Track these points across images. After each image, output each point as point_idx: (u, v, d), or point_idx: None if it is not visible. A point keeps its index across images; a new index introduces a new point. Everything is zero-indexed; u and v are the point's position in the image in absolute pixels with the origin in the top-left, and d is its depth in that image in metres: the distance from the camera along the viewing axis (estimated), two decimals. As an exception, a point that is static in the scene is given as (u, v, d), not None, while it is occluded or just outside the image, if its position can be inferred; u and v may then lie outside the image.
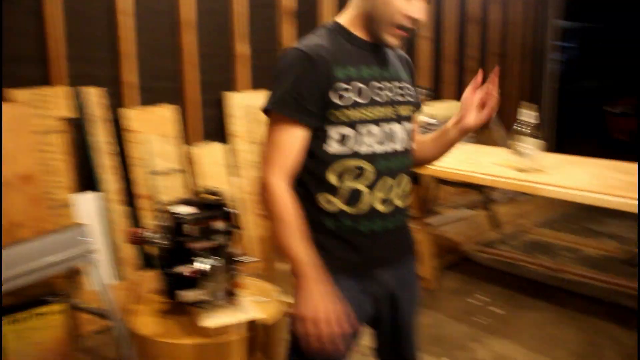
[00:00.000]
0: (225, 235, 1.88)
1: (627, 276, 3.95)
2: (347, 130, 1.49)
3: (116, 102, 3.68)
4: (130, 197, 3.73)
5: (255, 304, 2.07)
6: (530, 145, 2.85)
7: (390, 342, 1.76)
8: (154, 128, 3.82)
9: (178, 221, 1.84)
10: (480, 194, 4.93)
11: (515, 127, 2.90)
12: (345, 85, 1.48)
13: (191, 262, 1.84)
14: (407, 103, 1.61)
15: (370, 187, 1.53)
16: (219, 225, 1.86)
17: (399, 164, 1.59)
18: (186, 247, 1.84)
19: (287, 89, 1.44)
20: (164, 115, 3.87)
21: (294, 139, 1.46)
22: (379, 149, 1.54)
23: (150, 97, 3.83)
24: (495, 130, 5.43)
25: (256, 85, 4.39)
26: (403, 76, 1.64)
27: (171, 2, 3.85)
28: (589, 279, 3.92)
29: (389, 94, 1.56)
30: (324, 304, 1.40)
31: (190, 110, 4.02)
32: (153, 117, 3.82)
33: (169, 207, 1.96)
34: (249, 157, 4.33)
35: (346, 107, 1.48)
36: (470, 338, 3.22)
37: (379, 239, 1.58)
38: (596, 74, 21.51)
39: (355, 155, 1.51)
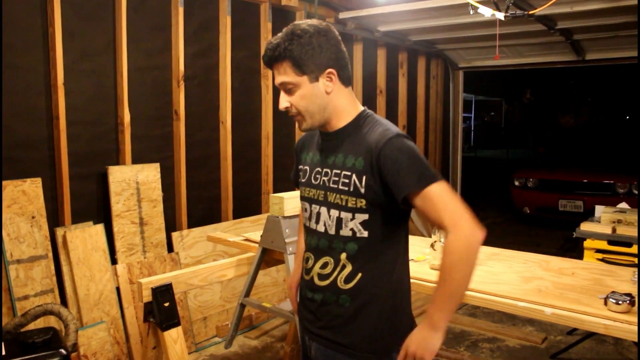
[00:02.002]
0: (54, 390, 1.34)
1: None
2: (301, 203, 1.86)
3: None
4: (-21, 291, 3.06)
5: None
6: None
7: None
8: (14, 206, 3.19)
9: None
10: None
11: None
12: (301, 166, 1.85)
13: None
14: (337, 191, 1.67)
15: (305, 255, 1.83)
16: (45, 375, 1.32)
17: (320, 244, 1.73)
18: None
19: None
20: (27, 190, 3.25)
21: None
22: (308, 224, 1.79)
23: (13, 169, 3.22)
24: (413, 219, 5.15)
25: (143, 157, 3.86)
26: (348, 164, 1.65)
27: (39, 58, 3.32)
28: (510, 376, 3.60)
29: (324, 178, 1.72)
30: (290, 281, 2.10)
31: (62, 185, 3.42)
32: (12, 193, 3.19)
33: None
34: (133, 239, 3.75)
35: (299, 183, 1.86)
36: None
37: (302, 300, 1.86)
38: (494, 144, 22.58)
39: (303, 225, 1.85)
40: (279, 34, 1.65)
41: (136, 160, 3.81)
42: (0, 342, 1.51)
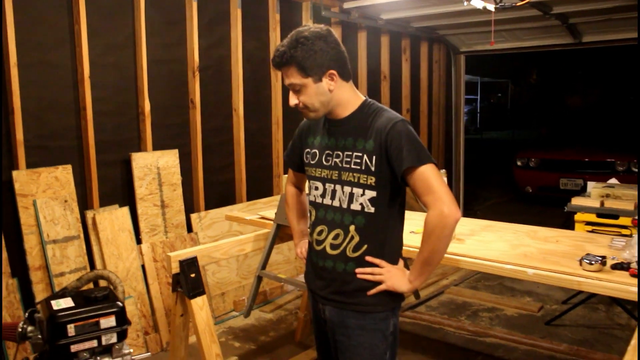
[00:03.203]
0: (114, 334, 1.62)
1: (546, 336, 3.95)
2: (309, 182, 2.11)
3: (9, 162, 3.35)
4: (21, 268, 3.36)
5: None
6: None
7: None
8: (48, 191, 3.49)
9: (56, 319, 1.57)
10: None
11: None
12: (308, 149, 2.10)
13: (71, 367, 1.58)
14: (350, 170, 1.93)
15: (312, 227, 2.10)
16: (108, 322, 1.61)
17: (335, 217, 1.99)
18: (65, 349, 1.57)
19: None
20: (59, 176, 3.55)
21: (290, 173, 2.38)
22: (320, 200, 2.04)
23: (46, 157, 3.52)
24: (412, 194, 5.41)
25: (163, 144, 4.14)
26: (359, 147, 1.92)
27: (66, 54, 3.60)
28: (508, 341, 3.88)
29: (336, 160, 1.98)
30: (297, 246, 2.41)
31: (90, 171, 3.71)
32: (47, 179, 3.49)
33: (47, 300, 1.69)
34: (155, 221, 4.05)
35: (307, 164, 2.10)
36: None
37: (314, 269, 2.11)
38: (500, 125, 22.67)
39: (310, 201, 2.12)
40: (285, 41, 1.91)
41: (156, 147, 4.09)
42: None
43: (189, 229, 4.32)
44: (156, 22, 4.06)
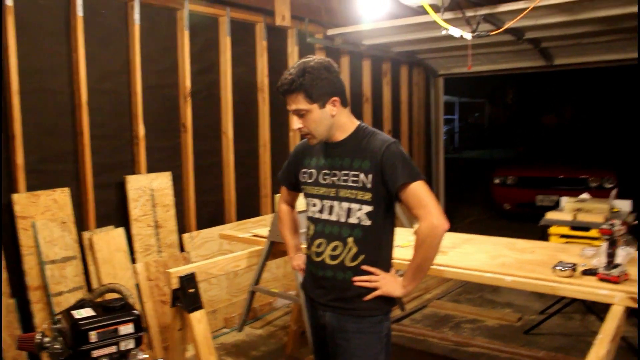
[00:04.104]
0: (132, 340, 1.78)
1: (525, 344, 4.15)
2: (306, 200, 2.28)
3: (8, 185, 3.48)
4: (20, 289, 3.47)
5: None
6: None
7: None
8: (47, 213, 3.62)
9: (79, 327, 1.72)
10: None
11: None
12: (305, 169, 2.28)
13: (93, 371, 1.73)
14: (347, 187, 2.12)
15: (311, 240, 2.25)
16: (126, 329, 1.76)
17: (333, 231, 2.17)
18: (87, 355, 1.72)
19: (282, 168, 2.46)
20: (58, 199, 3.68)
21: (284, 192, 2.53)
22: (318, 216, 2.21)
23: (44, 180, 3.65)
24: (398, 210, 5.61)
25: (156, 167, 4.30)
26: (355, 166, 2.11)
27: (64, 81, 3.75)
28: (489, 349, 4.07)
29: (333, 178, 2.16)
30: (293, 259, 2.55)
31: (86, 193, 3.85)
32: (45, 201, 3.62)
33: (68, 310, 1.84)
34: (149, 241, 4.19)
35: (304, 183, 2.28)
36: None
37: (313, 279, 2.27)
38: (478, 144, 23.09)
39: (308, 217, 2.27)
40: (292, 70, 2.10)
41: (150, 169, 4.25)
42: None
43: (182, 248, 4.46)
44: (150, 50, 4.24)
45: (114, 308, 1.80)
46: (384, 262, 2.21)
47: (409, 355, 4.05)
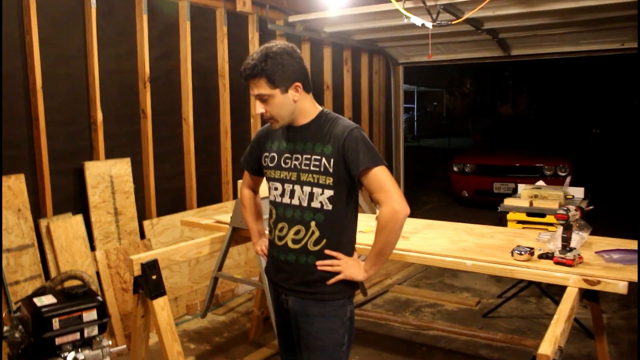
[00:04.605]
0: (96, 326, 1.75)
1: (483, 327, 4.26)
2: (268, 184, 2.28)
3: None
4: (-27, 278, 3.37)
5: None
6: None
7: None
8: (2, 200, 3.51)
9: (41, 314, 1.68)
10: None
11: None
12: (266, 154, 2.28)
13: (57, 358, 1.70)
14: (309, 171, 2.12)
15: (273, 224, 2.27)
16: (89, 315, 1.74)
17: (295, 215, 2.18)
18: (50, 343, 1.69)
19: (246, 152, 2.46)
20: (12, 185, 3.58)
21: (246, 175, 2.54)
22: (280, 199, 2.22)
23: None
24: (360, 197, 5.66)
25: (115, 153, 4.22)
26: (317, 150, 2.12)
27: (17, 65, 3.63)
28: (449, 332, 4.17)
29: (295, 162, 2.16)
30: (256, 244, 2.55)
31: (43, 180, 3.75)
32: None
33: (29, 298, 1.80)
34: (109, 228, 4.12)
35: (266, 167, 2.28)
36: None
37: (276, 263, 2.29)
38: (436, 133, 23.47)
39: (270, 201, 2.29)
40: (255, 55, 2.09)
41: (109, 155, 4.16)
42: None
43: (142, 235, 4.40)
44: (107, 34, 4.14)
45: (77, 295, 1.77)
46: (347, 246, 2.23)
47: (371, 339, 4.11)
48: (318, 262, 2.15)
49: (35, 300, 1.76)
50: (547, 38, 6.18)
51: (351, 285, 2.21)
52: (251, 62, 2.07)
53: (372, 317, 4.50)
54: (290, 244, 2.20)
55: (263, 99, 2.10)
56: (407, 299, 4.97)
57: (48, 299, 1.77)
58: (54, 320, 1.68)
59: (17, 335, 1.87)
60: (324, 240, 2.16)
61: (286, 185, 2.21)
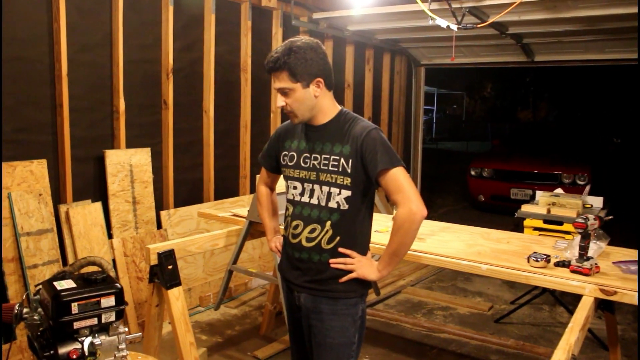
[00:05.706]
0: (113, 313, 1.78)
1: (495, 332, 4.25)
2: (287, 182, 2.29)
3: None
4: (-7, 260, 3.43)
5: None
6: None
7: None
8: (23, 185, 3.57)
9: (60, 298, 1.71)
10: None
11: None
12: (285, 152, 2.28)
13: (74, 342, 1.72)
14: (328, 171, 2.13)
15: (287, 222, 2.28)
16: (108, 301, 1.76)
17: (312, 214, 2.18)
18: (68, 326, 1.71)
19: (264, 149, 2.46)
20: (34, 170, 3.63)
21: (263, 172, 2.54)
22: (298, 198, 2.23)
23: (21, 151, 3.59)
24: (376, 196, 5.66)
25: (135, 142, 4.26)
26: (336, 151, 2.12)
27: (44, 51, 3.67)
28: (460, 336, 4.15)
29: (314, 162, 2.17)
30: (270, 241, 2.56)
31: (64, 166, 3.80)
32: (22, 172, 3.56)
33: (49, 281, 1.83)
34: (127, 217, 4.16)
35: (285, 166, 2.28)
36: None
37: (289, 260, 2.30)
38: (454, 136, 23.34)
39: (287, 199, 2.31)
40: (279, 48, 2.10)
41: (129, 145, 4.20)
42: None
43: (159, 225, 4.44)
44: (133, 23, 4.18)
45: (96, 280, 1.79)
46: (361, 246, 2.23)
47: (381, 339, 4.11)
48: (331, 260, 2.16)
49: (56, 283, 1.78)
50: (571, 45, 6.13)
51: (364, 285, 2.22)
52: (275, 55, 2.08)
53: (383, 317, 4.50)
54: (304, 242, 2.21)
55: (284, 92, 2.11)
56: (419, 301, 4.97)
57: (68, 283, 1.79)
58: (73, 304, 1.70)
59: (36, 317, 1.89)
60: (338, 239, 2.17)
61: (306, 184, 2.22)
